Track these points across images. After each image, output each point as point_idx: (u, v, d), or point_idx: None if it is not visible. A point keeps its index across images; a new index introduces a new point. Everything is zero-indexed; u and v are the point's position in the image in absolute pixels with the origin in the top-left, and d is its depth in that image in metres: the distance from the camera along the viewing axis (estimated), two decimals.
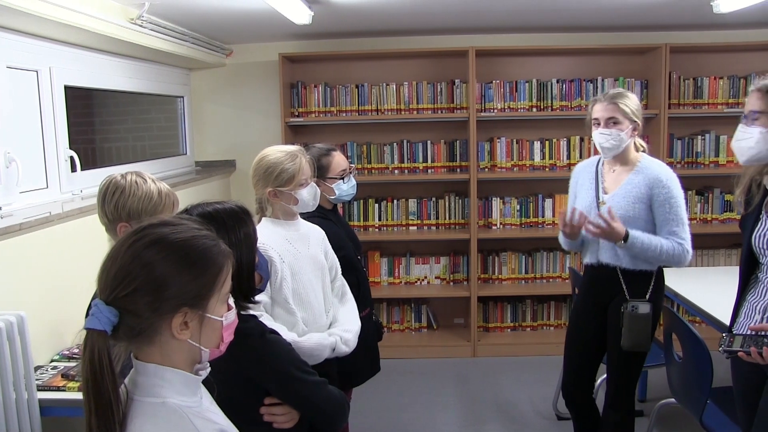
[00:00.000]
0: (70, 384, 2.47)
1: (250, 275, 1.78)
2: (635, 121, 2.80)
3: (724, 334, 2.02)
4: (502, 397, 4.22)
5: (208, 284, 1.23)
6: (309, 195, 2.44)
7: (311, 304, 2.39)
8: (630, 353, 2.83)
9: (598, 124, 2.82)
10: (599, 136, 2.81)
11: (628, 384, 2.94)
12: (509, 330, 5.16)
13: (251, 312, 1.83)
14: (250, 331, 1.74)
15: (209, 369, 1.32)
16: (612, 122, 2.78)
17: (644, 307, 2.77)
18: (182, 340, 1.22)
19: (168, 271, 1.18)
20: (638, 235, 2.74)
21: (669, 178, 2.78)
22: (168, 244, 1.20)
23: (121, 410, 1.18)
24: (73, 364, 2.67)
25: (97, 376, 1.13)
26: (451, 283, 5.16)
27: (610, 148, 2.81)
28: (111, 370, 1.14)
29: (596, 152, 3.00)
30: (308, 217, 2.72)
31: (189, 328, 1.21)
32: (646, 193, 2.78)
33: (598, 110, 2.82)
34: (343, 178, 2.86)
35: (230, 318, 1.31)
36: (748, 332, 2.07)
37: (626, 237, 2.71)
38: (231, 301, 1.33)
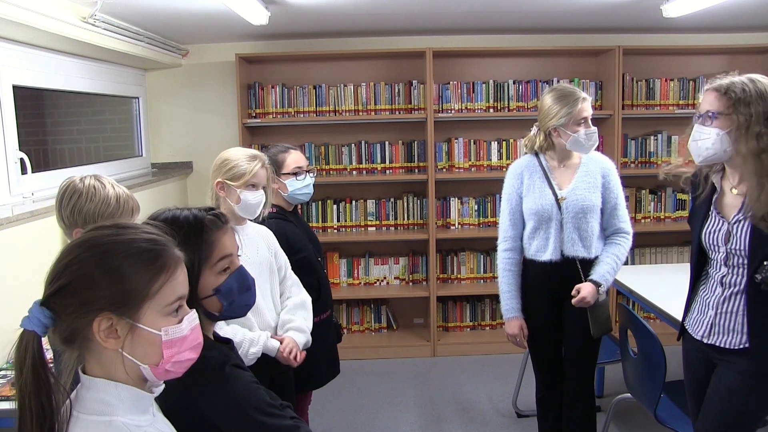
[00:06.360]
0: None
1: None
2: None
3: (765, 262, 1.93)
4: (462, 396, 4.24)
5: (136, 290, 1.14)
6: (254, 200, 2.42)
7: (261, 308, 2.40)
8: (590, 343, 2.92)
9: (584, 123, 2.76)
10: (588, 135, 2.77)
11: (592, 373, 3.03)
12: (468, 329, 5.20)
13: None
14: (209, 361, 1.51)
15: (163, 386, 1.26)
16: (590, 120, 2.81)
17: (603, 294, 2.84)
18: (110, 349, 1.14)
19: (90, 271, 1.12)
20: (601, 271, 2.83)
21: (612, 164, 2.94)
22: (95, 245, 1.15)
23: (58, 421, 1.12)
24: None
25: (24, 372, 1.11)
26: (410, 284, 5.17)
27: (593, 146, 2.82)
28: (44, 367, 1.12)
29: None
30: (267, 217, 2.70)
31: (119, 337, 1.13)
32: (600, 180, 2.87)
33: (587, 108, 2.77)
34: (296, 175, 2.83)
35: (174, 334, 1.18)
36: None
37: (598, 284, 2.81)
38: (190, 316, 1.23)
